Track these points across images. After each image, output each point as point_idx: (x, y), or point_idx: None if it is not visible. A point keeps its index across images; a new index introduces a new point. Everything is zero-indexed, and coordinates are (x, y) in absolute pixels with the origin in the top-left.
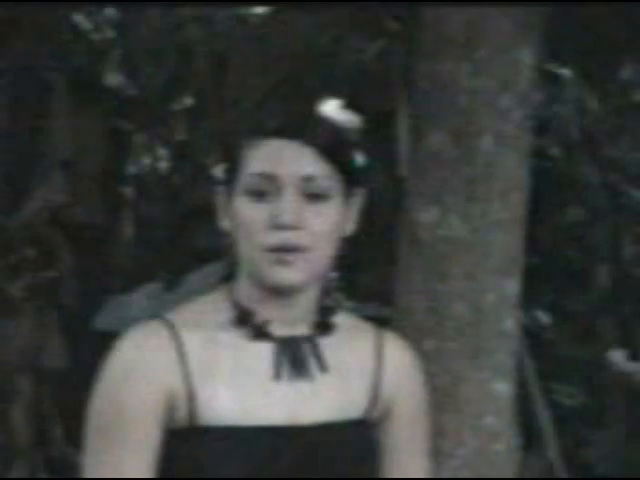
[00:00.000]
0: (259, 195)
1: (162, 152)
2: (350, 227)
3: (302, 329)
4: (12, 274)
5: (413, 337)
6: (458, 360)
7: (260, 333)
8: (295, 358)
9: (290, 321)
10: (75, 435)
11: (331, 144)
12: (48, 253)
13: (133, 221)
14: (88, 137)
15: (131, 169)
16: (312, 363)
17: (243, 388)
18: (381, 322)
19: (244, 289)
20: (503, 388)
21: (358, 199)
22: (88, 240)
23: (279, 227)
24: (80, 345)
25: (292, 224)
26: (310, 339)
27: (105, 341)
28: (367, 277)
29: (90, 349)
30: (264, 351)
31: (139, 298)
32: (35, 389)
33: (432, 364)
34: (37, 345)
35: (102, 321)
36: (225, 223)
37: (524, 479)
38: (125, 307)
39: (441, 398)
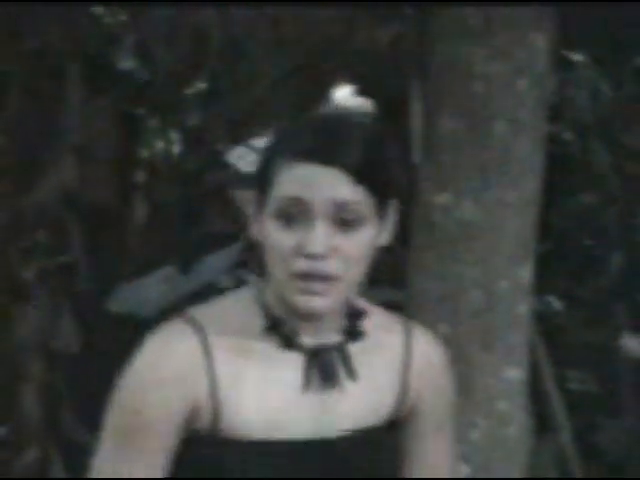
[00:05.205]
0: (288, 219)
1: (175, 136)
2: (385, 238)
3: (331, 336)
4: (25, 258)
5: (426, 322)
6: (471, 345)
7: (290, 343)
8: (325, 369)
9: (319, 330)
10: (87, 417)
11: (366, 167)
12: (61, 237)
13: (146, 205)
14: (101, 121)
15: (144, 153)
16: (341, 372)
17: (269, 400)
18: (393, 306)
19: (272, 298)
20: (515, 373)
21: (393, 211)
22: (101, 224)
23: (308, 256)
24: (93, 328)
25: (322, 254)
26: (340, 347)
27: (117, 325)
28: (379, 260)
29: (103, 333)
30: (293, 361)
31: (153, 281)
32: (47, 372)
33: (445, 349)
34: (50, 328)
35: (116, 303)
36: (255, 232)
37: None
38: (139, 290)
39: (454, 382)
